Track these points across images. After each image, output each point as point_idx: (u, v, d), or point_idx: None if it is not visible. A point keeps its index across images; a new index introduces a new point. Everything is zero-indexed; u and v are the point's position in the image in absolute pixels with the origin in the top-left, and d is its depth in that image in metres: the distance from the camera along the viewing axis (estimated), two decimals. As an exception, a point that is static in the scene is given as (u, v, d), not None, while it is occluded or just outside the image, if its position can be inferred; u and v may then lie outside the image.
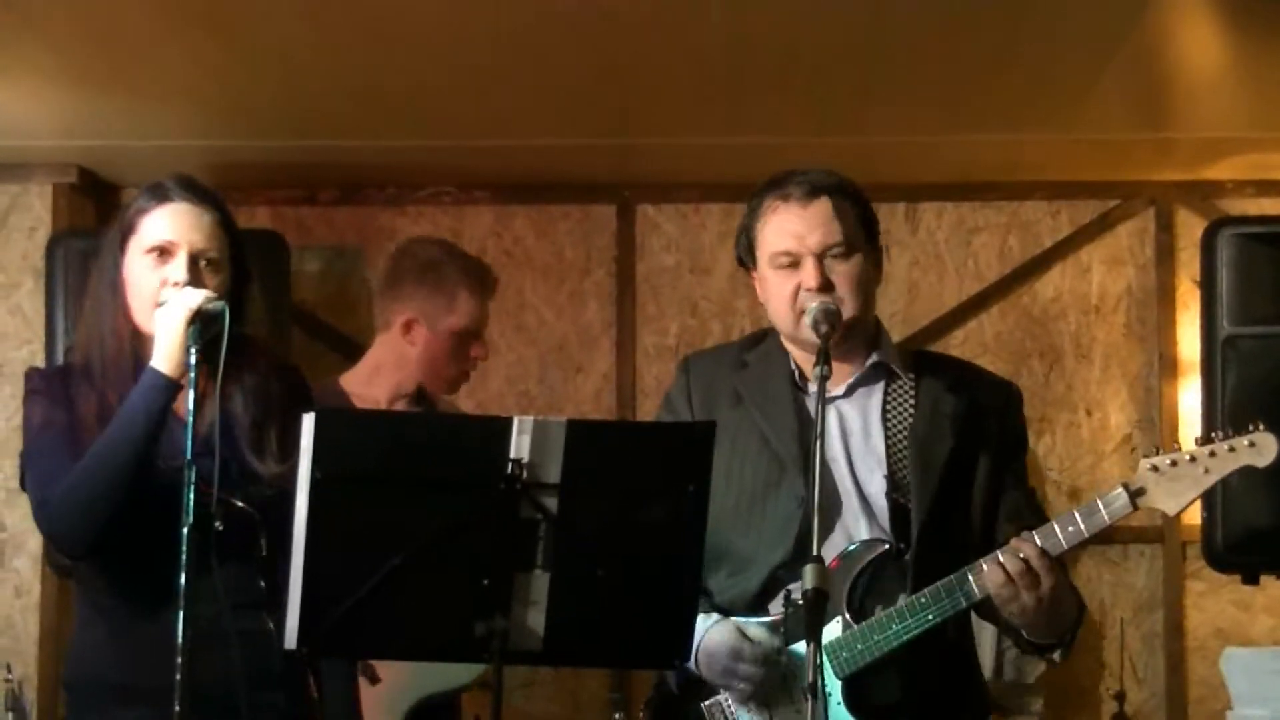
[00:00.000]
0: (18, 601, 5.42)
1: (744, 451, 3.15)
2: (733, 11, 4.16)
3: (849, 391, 3.19)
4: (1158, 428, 5.67)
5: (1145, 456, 3.00)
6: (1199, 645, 5.62)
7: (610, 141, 5.34)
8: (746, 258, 3.26)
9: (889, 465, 3.12)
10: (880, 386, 3.20)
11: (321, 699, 3.16)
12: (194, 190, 3.09)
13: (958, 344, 5.78)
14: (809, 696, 2.58)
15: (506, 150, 5.40)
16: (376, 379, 4.44)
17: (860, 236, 3.19)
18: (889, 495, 3.10)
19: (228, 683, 2.90)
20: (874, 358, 3.21)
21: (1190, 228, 5.64)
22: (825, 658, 3.04)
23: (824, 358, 2.96)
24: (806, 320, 3.08)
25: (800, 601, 2.68)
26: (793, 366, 3.22)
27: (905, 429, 3.15)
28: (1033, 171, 5.71)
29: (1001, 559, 2.95)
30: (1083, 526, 3.00)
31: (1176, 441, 3.07)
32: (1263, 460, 2.98)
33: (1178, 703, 5.62)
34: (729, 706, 3.13)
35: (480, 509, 2.61)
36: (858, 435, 3.16)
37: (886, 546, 3.07)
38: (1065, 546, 3.01)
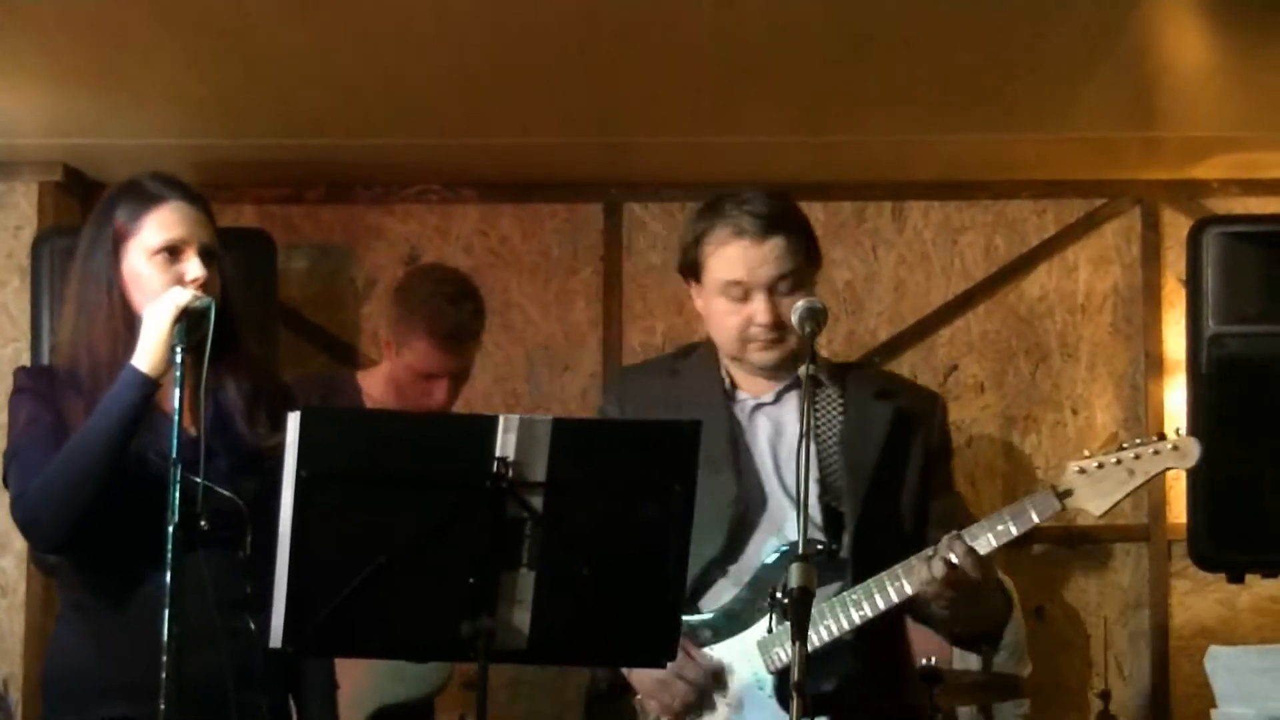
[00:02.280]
0: (3, 601, 5.40)
1: None
2: (720, 10, 4.16)
3: (778, 399, 3.27)
4: (1144, 426, 5.67)
5: (1071, 460, 3.12)
6: (1184, 644, 5.62)
7: (597, 140, 5.34)
8: (690, 273, 3.31)
9: (820, 469, 3.18)
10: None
11: (300, 700, 3.16)
12: (183, 188, 3.09)
13: (944, 343, 5.79)
14: (794, 695, 2.58)
15: (493, 149, 5.40)
16: (388, 390, 4.50)
17: (806, 269, 3.24)
18: (821, 498, 3.16)
19: (210, 681, 2.89)
20: (803, 370, 3.25)
21: (1176, 227, 5.65)
22: (758, 653, 3.12)
23: (811, 355, 2.99)
24: (794, 319, 3.11)
25: (785, 600, 2.68)
26: (723, 375, 3.30)
27: (834, 435, 3.23)
28: (1019, 170, 5.71)
29: (931, 557, 3.02)
30: (1011, 527, 3.08)
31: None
32: (1185, 462, 3.12)
33: (1163, 702, 5.63)
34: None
35: (466, 508, 2.61)
36: (786, 439, 3.22)
37: (820, 547, 3.12)
38: (994, 545, 3.08)
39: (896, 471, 3.23)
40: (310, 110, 4.99)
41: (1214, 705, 4.41)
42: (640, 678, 3.14)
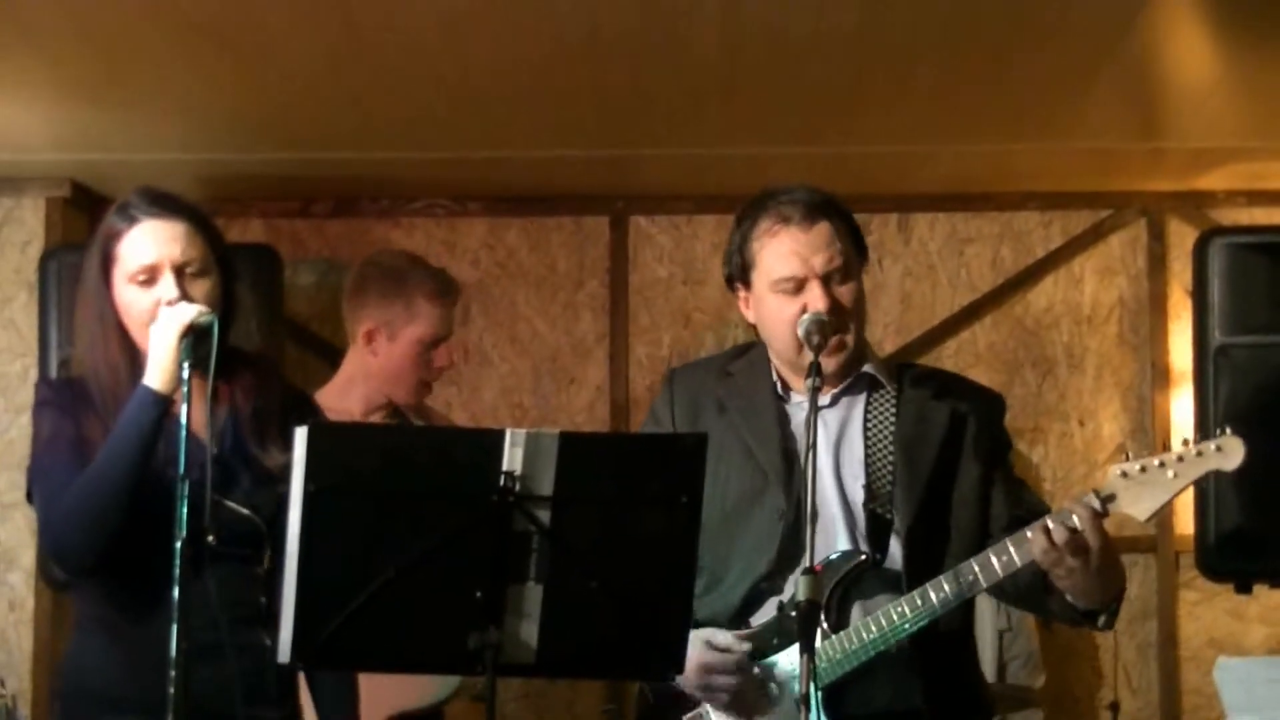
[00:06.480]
0: (11, 616, 5.41)
1: (729, 461, 3.18)
2: (724, 24, 4.17)
3: (834, 401, 3.23)
4: (1150, 437, 5.67)
5: (1114, 464, 3.05)
6: (1193, 655, 5.62)
7: (603, 153, 5.34)
8: (739, 277, 3.26)
9: (867, 475, 3.15)
10: (863, 396, 3.22)
11: (320, 703, 3.17)
12: (160, 203, 3.08)
13: (950, 354, 5.78)
14: (801, 708, 2.59)
15: (500, 162, 5.40)
16: (349, 392, 4.45)
17: (854, 258, 3.23)
18: (866, 505, 3.13)
19: (222, 696, 2.90)
20: (861, 369, 3.23)
21: (1182, 237, 5.65)
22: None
23: (815, 369, 2.98)
24: (800, 331, 3.09)
25: (793, 613, 2.68)
26: (775, 378, 3.26)
27: (887, 436, 3.18)
28: (1025, 182, 5.72)
29: (1050, 523, 2.95)
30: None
31: (1146, 448, 3.11)
32: (1229, 464, 3.06)
33: (1172, 713, 5.62)
34: (709, 718, 3.15)
35: (473, 521, 2.61)
36: (850, 443, 3.20)
37: (863, 557, 3.09)
38: (1035, 554, 3.01)
39: (951, 478, 3.17)
40: (317, 124, 5.00)
41: (1223, 715, 4.41)
42: (684, 682, 3.09)
